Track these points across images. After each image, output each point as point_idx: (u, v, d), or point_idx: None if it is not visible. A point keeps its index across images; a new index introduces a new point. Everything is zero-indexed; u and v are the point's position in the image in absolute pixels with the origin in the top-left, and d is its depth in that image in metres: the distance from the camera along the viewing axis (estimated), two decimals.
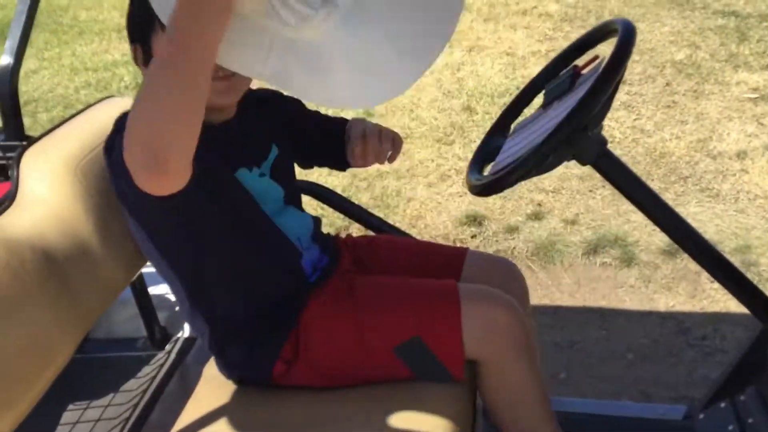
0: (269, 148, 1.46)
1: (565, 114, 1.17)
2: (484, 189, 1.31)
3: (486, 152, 1.50)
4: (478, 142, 3.97)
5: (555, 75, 1.46)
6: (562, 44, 4.69)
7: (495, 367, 1.39)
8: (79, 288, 1.30)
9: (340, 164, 1.61)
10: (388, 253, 1.62)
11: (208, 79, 0.90)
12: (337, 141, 1.57)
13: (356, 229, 3.06)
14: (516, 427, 1.44)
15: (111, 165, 1.30)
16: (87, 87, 4.89)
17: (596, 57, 1.32)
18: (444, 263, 1.54)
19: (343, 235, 1.68)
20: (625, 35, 1.18)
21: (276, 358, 1.39)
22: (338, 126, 1.59)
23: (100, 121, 1.51)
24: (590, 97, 1.14)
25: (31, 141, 1.42)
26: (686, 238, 1.33)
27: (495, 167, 1.38)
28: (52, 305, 1.23)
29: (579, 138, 1.20)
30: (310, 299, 1.43)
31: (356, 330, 1.38)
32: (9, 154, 1.66)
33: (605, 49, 1.40)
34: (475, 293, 1.40)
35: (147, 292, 1.84)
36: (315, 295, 1.44)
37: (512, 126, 1.53)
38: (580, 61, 1.40)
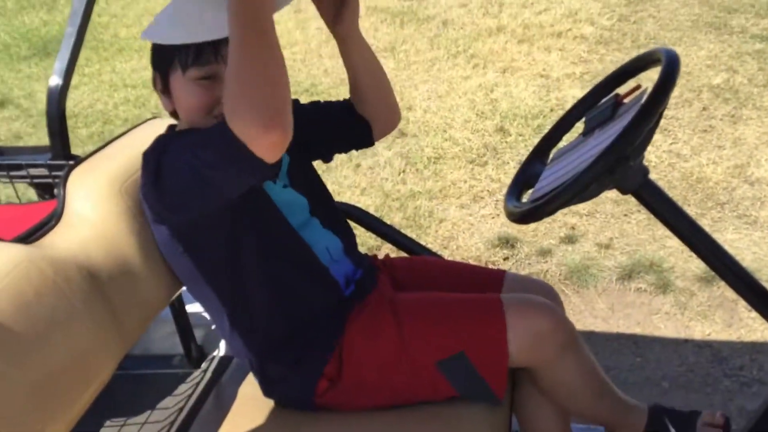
0: (281, 158, 1.49)
1: (608, 143, 1.16)
2: (523, 216, 1.30)
3: (524, 179, 1.50)
4: (512, 163, 3.96)
5: (595, 103, 1.46)
6: (597, 67, 4.67)
7: (546, 371, 1.43)
8: (122, 307, 1.32)
9: (361, 140, 1.61)
10: (427, 274, 1.63)
11: (275, 33, 1.06)
12: (345, 113, 1.58)
13: (387, 249, 3.07)
14: (579, 411, 1.50)
15: (154, 197, 1.32)
16: (126, 103, 4.98)
17: (638, 86, 1.32)
18: (483, 285, 1.55)
19: (380, 255, 1.69)
20: (670, 65, 1.17)
21: (319, 375, 1.40)
22: (343, 103, 1.60)
23: (143, 142, 1.53)
24: (634, 128, 1.13)
25: (78, 161, 1.45)
26: (728, 269, 1.31)
27: (534, 194, 1.37)
28: (96, 323, 1.25)
29: (621, 167, 1.19)
30: (351, 315, 1.44)
31: (399, 344, 1.39)
32: (55, 173, 1.70)
33: (644, 76, 1.41)
34: (517, 304, 1.42)
35: (185, 310, 1.86)
36: (355, 311, 1.45)
37: (551, 153, 1.53)
38: (621, 89, 1.40)
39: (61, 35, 6.64)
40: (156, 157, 1.28)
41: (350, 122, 1.58)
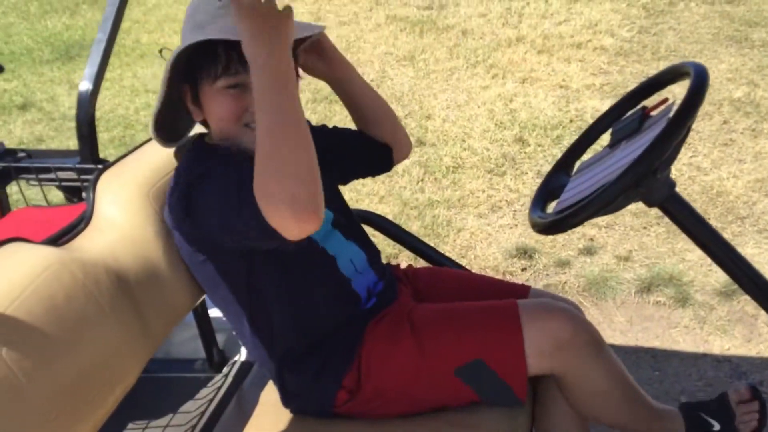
0: None
1: (636, 156, 1.17)
2: (548, 228, 1.31)
3: (549, 190, 1.50)
4: (530, 174, 3.94)
5: (622, 115, 1.46)
6: (617, 78, 4.66)
7: (571, 377, 1.42)
8: (148, 310, 1.33)
9: (380, 163, 1.63)
10: (450, 285, 1.63)
11: (305, 122, 1.09)
12: (367, 137, 1.60)
13: (406, 257, 3.07)
14: (609, 419, 1.49)
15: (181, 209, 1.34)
16: (146, 108, 5.02)
17: (666, 99, 1.32)
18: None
19: (403, 265, 1.69)
20: (699, 79, 1.18)
21: (338, 387, 1.40)
22: (356, 132, 1.62)
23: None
24: (663, 140, 1.13)
25: (106, 165, 1.46)
26: (753, 284, 1.31)
27: (559, 206, 1.38)
28: (123, 327, 1.26)
29: (648, 180, 1.19)
30: (369, 327, 1.44)
31: (417, 354, 1.40)
32: (84, 177, 1.72)
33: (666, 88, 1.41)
34: (534, 309, 1.42)
35: (207, 315, 1.87)
36: (374, 322, 1.45)
37: (576, 164, 1.53)
38: (647, 102, 1.40)
39: (83, 39, 6.70)
40: (189, 180, 1.29)
41: (371, 146, 1.61)
